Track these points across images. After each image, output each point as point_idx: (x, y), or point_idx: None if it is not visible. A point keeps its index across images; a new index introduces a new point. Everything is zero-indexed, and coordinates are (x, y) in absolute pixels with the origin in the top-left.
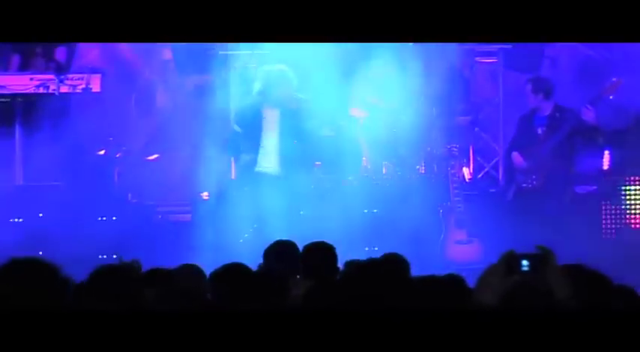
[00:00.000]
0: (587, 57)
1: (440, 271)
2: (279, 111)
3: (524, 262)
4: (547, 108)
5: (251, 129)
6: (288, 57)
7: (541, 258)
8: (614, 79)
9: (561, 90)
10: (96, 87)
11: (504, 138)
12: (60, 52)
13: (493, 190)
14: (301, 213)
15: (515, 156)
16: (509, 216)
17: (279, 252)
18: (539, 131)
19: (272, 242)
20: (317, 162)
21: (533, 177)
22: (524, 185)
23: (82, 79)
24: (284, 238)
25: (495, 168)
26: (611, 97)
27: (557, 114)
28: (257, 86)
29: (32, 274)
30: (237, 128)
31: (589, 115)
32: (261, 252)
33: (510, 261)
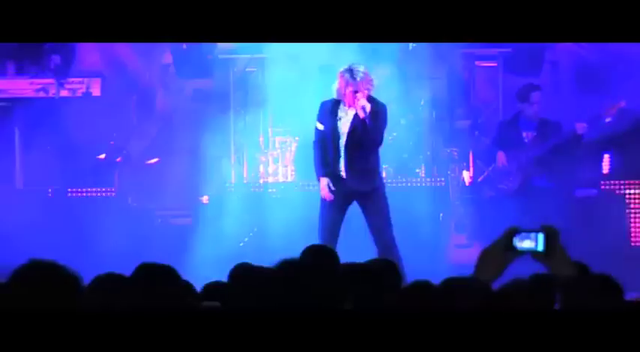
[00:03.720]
0: (587, 61)
1: (440, 276)
2: (353, 113)
3: (527, 239)
4: (535, 116)
5: (331, 130)
6: (288, 60)
7: (545, 236)
8: (619, 103)
9: (562, 95)
10: (96, 91)
11: None
12: (57, 56)
13: (493, 194)
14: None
15: (500, 155)
16: (510, 219)
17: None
18: (525, 135)
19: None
20: None
21: (510, 178)
22: (500, 185)
23: (82, 83)
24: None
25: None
26: (608, 120)
27: (544, 128)
28: (334, 86)
29: (50, 277)
30: (319, 126)
31: (581, 130)
32: (261, 256)
33: (512, 236)
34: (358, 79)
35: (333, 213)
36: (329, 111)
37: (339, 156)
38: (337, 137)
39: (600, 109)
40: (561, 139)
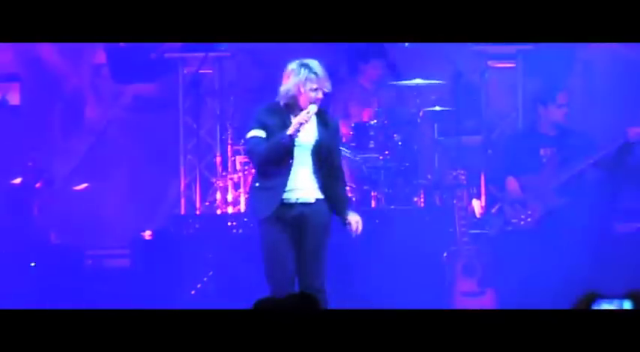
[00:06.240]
0: (629, 60)
1: None
2: (317, 118)
3: (609, 306)
4: (555, 126)
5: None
6: (252, 59)
7: (635, 304)
8: None
9: (597, 103)
10: (13, 99)
11: None
12: None
13: (510, 228)
14: None
15: (511, 181)
16: (530, 260)
17: None
18: (542, 153)
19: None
20: None
21: (529, 212)
22: (513, 220)
23: None
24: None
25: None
26: None
27: (568, 140)
28: (285, 86)
29: None
30: (260, 133)
31: (636, 137)
32: (218, 306)
33: (590, 303)
34: (321, 74)
35: (283, 248)
36: (278, 116)
37: (290, 173)
38: (291, 150)
39: None
40: (596, 157)
